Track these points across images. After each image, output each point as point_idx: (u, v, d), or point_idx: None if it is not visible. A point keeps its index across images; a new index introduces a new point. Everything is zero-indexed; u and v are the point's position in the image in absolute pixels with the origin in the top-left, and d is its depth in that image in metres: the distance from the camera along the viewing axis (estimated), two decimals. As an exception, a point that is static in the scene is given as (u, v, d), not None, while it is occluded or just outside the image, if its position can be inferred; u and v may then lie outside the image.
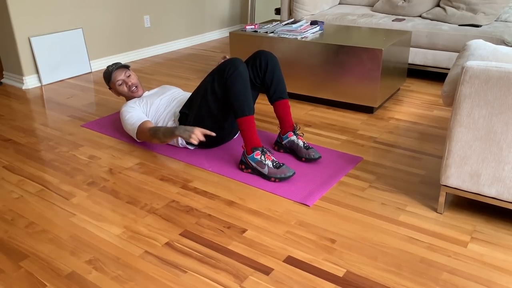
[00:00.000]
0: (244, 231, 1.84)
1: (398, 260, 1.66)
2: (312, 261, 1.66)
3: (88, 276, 1.60)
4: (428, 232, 1.81)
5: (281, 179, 2.17)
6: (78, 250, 1.74)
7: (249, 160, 2.22)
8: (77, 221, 1.93)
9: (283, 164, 2.18)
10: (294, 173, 2.16)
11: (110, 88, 2.77)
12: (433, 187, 2.14)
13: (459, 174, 1.81)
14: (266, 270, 1.62)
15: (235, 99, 2.19)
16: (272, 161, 2.19)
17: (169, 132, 2.32)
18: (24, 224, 1.91)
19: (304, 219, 1.91)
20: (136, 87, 2.69)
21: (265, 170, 2.18)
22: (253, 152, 2.21)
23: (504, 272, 1.59)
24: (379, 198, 2.06)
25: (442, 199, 1.91)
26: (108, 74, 2.71)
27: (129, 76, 2.70)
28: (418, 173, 2.26)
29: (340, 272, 1.60)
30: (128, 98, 2.73)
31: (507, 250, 1.71)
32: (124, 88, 2.68)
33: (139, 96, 2.70)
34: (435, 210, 1.96)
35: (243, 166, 2.28)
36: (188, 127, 2.25)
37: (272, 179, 2.18)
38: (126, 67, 2.73)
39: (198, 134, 2.21)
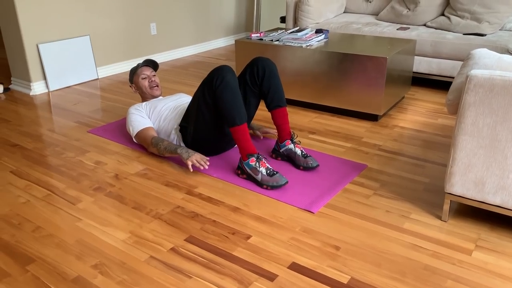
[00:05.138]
0: (248, 237, 1.85)
1: (402, 267, 1.66)
2: (317, 268, 1.66)
3: (94, 280, 1.61)
4: (433, 239, 1.81)
5: (273, 187, 2.17)
6: (84, 254, 1.76)
7: (245, 166, 2.25)
8: (83, 226, 1.94)
9: (277, 172, 2.19)
10: (286, 182, 2.17)
11: (131, 84, 2.85)
12: (438, 195, 2.14)
13: (464, 182, 1.81)
14: (270, 276, 1.62)
15: (225, 110, 2.20)
16: (267, 169, 2.20)
17: (171, 149, 2.40)
18: (30, 229, 1.93)
19: (308, 225, 1.92)
20: (156, 86, 2.78)
21: (259, 177, 2.20)
22: (249, 158, 2.22)
23: (508, 281, 1.59)
24: (384, 205, 2.06)
25: (446, 207, 1.91)
26: (136, 67, 2.83)
27: (154, 75, 2.82)
28: (423, 181, 2.26)
29: (344, 279, 1.61)
30: (144, 96, 2.82)
31: (512, 258, 1.71)
32: (146, 83, 2.77)
33: (155, 96, 2.79)
34: (440, 218, 1.96)
35: (239, 172, 2.30)
36: (190, 151, 2.35)
37: (265, 186, 2.19)
38: (155, 67, 2.86)
39: (198, 159, 2.28)
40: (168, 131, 2.56)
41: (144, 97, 2.83)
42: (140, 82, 2.78)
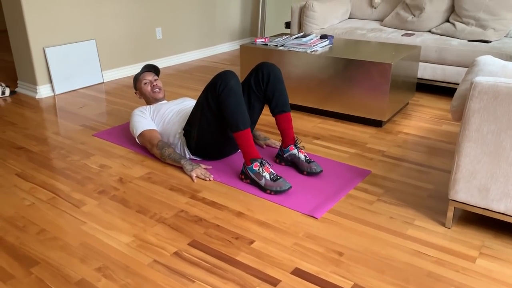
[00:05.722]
0: (252, 242, 1.85)
1: (405, 274, 1.66)
2: (320, 274, 1.66)
3: (98, 283, 1.62)
4: (436, 246, 1.81)
5: (277, 192, 2.18)
6: (87, 257, 1.76)
7: (248, 171, 2.25)
8: (87, 229, 1.95)
9: (281, 177, 2.19)
10: (290, 187, 2.17)
11: (135, 91, 2.88)
12: (442, 201, 2.14)
13: (468, 189, 1.81)
14: (273, 282, 1.62)
15: (228, 115, 2.21)
16: (270, 174, 2.21)
17: (175, 158, 2.45)
18: (35, 231, 1.94)
19: (312, 231, 1.92)
20: (159, 89, 2.81)
21: (262, 182, 2.20)
22: (252, 163, 2.23)
23: (512, 288, 1.59)
24: (387, 211, 2.06)
25: (450, 213, 1.91)
26: (138, 73, 2.86)
27: (156, 79, 2.84)
28: (427, 187, 2.26)
29: (347, 285, 1.61)
30: (148, 101, 2.84)
31: (516, 266, 1.70)
32: (148, 88, 2.80)
33: (159, 99, 2.80)
34: (443, 224, 1.95)
35: (243, 176, 2.31)
36: (194, 163, 2.41)
37: (268, 191, 2.19)
38: (157, 72, 2.89)
39: (202, 173, 2.36)
40: (171, 133, 2.57)
41: (148, 102, 2.85)
42: (143, 88, 2.80)
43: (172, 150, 2.48)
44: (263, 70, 2.42)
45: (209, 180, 2.34)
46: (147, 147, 2.60)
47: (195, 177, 2.35)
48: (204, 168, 2.43)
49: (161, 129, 2.62)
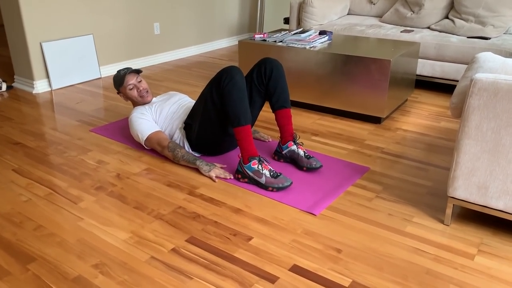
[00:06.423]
0: (250, 238, 1.84)
1: (404, 271, 1.65)
2: (318, 270, 1.66)
3: (95, 280, 1.61)
4: (435, 243, 1.81)
5: (279, 189, 2.16)
6: (85, 254, 1.75)
7: (246, 170, 2.22)
8: (84, 225, 1.94)
9: (281, 174, 2.19)
10: (291, 182, 2.16)
11: (118, 93, 2.73)
12: (440, 198, 2.13)
13: (467, 186, 1.81)
14: (271, 278, 1.62)
15: (231, 109, 2.19)
16: (270, 171, 2.19)
17: (190, 159, 2.39)
18: (32, 227, 1.93)
19: (310, 228, 1.91)
20: (146, 92, 2.68)
21: (262, 180, 2.18)
22: (250, 161, 2.21)
23: (511, 286, 1.58)
24: (386, 208, 2.05)
25: (449, 211, 1.90)
26: (119, 78, 2.68)
27: (140, 81, 2.68)
28: (425, 185, 2.26)
29: (345, 282, 1.60)
30: (136, 103, 2.71)
31: (515, 263, 1.70)
32: (135, 93, 2.65)
33: (148, 102, 2.69)
34: (442, 221, 1.95)
35: (240, 176, 2.27)
36: (210, 164, 2.36)
37: (270, 188, 2.17)
38: (137, 72, 2.72)
39: (221, 172, 2.31)
40: (173, 129, 2.55)
41: (136, 104, 2.72)
42: (129, 93, 2.66)
43: (185, 151, 2.43)
44: (266, 65, 2.41)
45: (230, 178, 2.30)
46: (156, 149, 2.52)
47: (215, 177, 2.31)
48: (220, 167, 2.39)
49: (164, 129, 2.58)
